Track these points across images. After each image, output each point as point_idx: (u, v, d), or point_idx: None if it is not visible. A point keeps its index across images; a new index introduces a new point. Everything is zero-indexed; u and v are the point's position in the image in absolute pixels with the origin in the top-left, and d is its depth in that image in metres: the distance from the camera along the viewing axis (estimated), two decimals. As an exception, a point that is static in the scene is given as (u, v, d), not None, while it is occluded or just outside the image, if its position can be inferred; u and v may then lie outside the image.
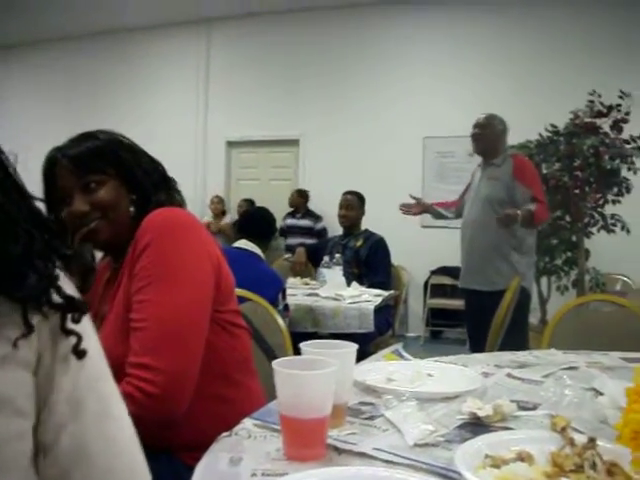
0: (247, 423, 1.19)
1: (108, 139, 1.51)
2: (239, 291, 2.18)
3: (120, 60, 9.47)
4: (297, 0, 8.30)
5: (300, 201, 8.13)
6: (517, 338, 3.68)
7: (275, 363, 1.01)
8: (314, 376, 0.99)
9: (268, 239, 3.40)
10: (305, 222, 8.01)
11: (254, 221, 3.44)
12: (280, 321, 2.23)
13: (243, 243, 3.24)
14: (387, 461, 1.00)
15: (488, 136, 4.08)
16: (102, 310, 1.50)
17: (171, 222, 1.40)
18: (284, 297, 3.16)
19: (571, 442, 1.04)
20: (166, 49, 9.37)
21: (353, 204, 4.70)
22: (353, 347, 1.17)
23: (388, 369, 1.53)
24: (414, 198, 4.50)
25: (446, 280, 7.34)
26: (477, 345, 3.84)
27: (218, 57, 9.17)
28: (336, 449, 1.05)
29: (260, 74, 8.85)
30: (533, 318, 4.66)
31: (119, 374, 1.20)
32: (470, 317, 4.26)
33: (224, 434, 1.13)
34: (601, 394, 1.37)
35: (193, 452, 1.13)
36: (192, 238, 1.41)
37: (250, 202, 8.36)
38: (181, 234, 1.39)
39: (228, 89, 9.04)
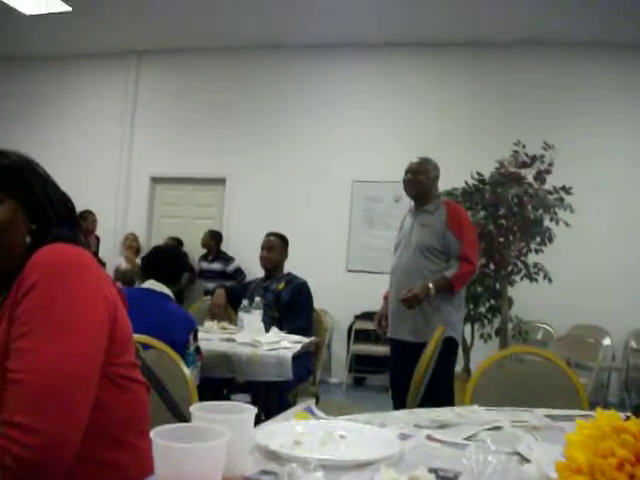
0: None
1: (19, 161, 1.37)
2: (141, 337, 2.01)
3: (42, 87, 9.15)
4: (227, 38, 8.22)
5: (212, 243, 7.97)
6: (441, 391, 3.58)
7: (154, 432, 0.85)
8: (198, 450, 0.83)
9: (175, 279, 3.20)
10: (216, 265, 7.84)
11: (158, 261, 3.23)
12: (186, 371, 2.06)
13: (150, 283, 3.05)
14: None
15: (422, 182, 3.99)
16: None
17: (62, 261, 1.23)
18: (195, 339, 2.97)
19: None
20: (93, 79, 9.12)
21: (275, 246, 4.56)
22: (250, 412, 1.02)
23: (297, 430, 1.38)
24: (376, 327, 4.25)
25: (370, 325, 7.17)
26: (399, 396, 3.72)
27: (146, 91, 8.98)
28: (225, 534, 0.89)
29: (188, 111, 8.70)
30: (457, 366, 4.61)
31: None
32: (395, 367, 4.11)
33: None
34: (527, 460, 1.26)
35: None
36: (85, 281, 1.24)
37: (178, 241, 8.17)
38: (73, 276, 1.22)
39: (155, 124, 8.83)
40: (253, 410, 1.02)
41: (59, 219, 1.37)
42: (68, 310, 1.18)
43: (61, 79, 9.19)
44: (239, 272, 7.75)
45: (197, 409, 1.00)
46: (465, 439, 1.46)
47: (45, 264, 1.21)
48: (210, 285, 7.27)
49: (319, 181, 8.06)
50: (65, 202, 1.42)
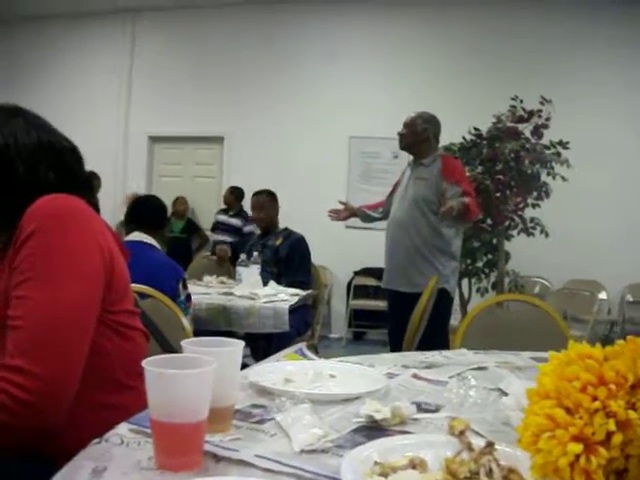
0: (122, 428, 1.07)
1: None
2: (140, 287, 2.06)
3: (39, 47, 9.06)
4: (223, -5, 8.15)
5: (231, 198, 7.94)
6: (436, 341, 3.64)
7: (146, 362, 0.91)
8: (185, 376, 0.89)
9: (161, 227, 3.24)
10: (235, 221, 7.81)
11: (144, 210, 3.27)
12: (184, 320, 2.11)
13: (136, 235, 3.08)
14: (268, 469, 0.91)
15: (408, 135, 4.06)
16: None
17: (58, 210, 1.26)
18: (185, 287, 3.03)
19: (469, 446, 0.97)
20: (89, 38, 9.00)
21: (265, 204, 4.59)
22: (239, 345, 1.07)
23: (287, 369, 1.44)
24: (342, 203, 4.42)
25: (369, 281, 7.33)
26: (397, 347, 3.80)
27: (142, 50, 8.90)
28: (215, 457, 0.95)
29: (185, 69, 8.64)
30: (454, 319, 4.67)
31: None
32: (392, 318, 4.19)
33: (94, 441, 1.02)
34: (506, 395, 1.31)
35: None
36: (81, 229, 1.27)
37: (183, 200, 8.25)
38: (69, 224, 1.25)
39: (152, 83, 8.77)
40: (241, 343, 1.08)
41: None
42: (64, 258, 1.22)
43: (55, 40, 9.08)
44: (251, 235, 7.79)
45: (188, 343, 1.06)
46: (450, 377, 1.51)
47: (42, 213, 1.24)
48: (218, 237, 7.33)
49: (316, 138, 8.05)
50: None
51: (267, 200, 4.60)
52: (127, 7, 8.74)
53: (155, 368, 0.89)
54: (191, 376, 0.89)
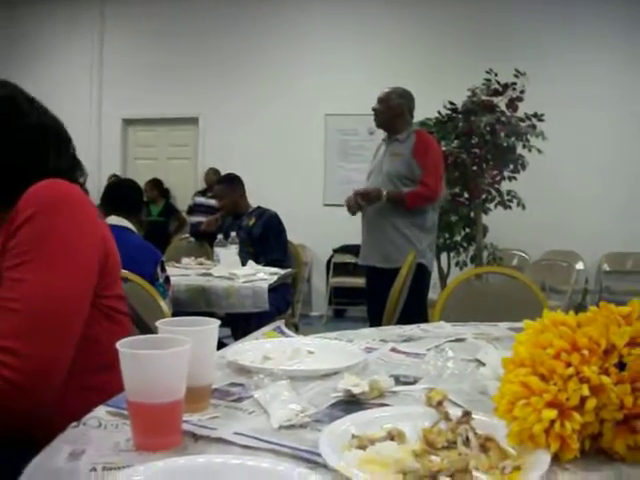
0: (99, 411, 1.07)
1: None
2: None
3: (6, 31, 8.90)
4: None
5: (213, 179, 7.89)
6: (415, 315, 3.66)
7: (120, 343, 0.90)
8: (159, 356, 0.88)
9: (138, 211, 3.21)
10: (213, 201, 7.77)
11: (121, 193, 3.24)
12: (162, 303, 2.10)
13: (112, 219, 3.04)
14: (246, 446, 0.91)
15: (381, 111, 4.06)
16: None
17: (56, 195, 1.27)
18: (163, 269, 3.01)
19: (446, 417, 0.97)
20: (58, 20, 8.83)
21: (221, 192, 4.61)
22: (213, 323, 1.07)
23: (266, 347, 1.44)
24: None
25: (348, 258, 7.34)
26: (376, 323, 3.81)
27: (113, 31, 8.76)
28: (193, 435, 0.95)
29: (158, 51, 8.50)
30: (433, 293, 4.70)
31: None
32: (370, 295, 4.21)
33: (72, 424, 1.02)
34: (484, 365, 1.33)
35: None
36: (78, 214, 1.29)
37: (158, 182, 8.19)
38: (66, 209, 1.26)
39: (124, 65, 8.65)
40: (216, 322, 1.07)
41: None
42: (60, 242, 1.22)
43: (24, 24, 8.90)
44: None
45: (163, 323, 1.05)
46: (427, 350, 1.52)
47: (39, 198, 1.24)
48: (195, 219, 7.28)
49: (292, 116, 8.01)
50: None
51: (223, 188, 4.63)
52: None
53: (129, 349, 0.88)
54: (165, 356, 0.89)
